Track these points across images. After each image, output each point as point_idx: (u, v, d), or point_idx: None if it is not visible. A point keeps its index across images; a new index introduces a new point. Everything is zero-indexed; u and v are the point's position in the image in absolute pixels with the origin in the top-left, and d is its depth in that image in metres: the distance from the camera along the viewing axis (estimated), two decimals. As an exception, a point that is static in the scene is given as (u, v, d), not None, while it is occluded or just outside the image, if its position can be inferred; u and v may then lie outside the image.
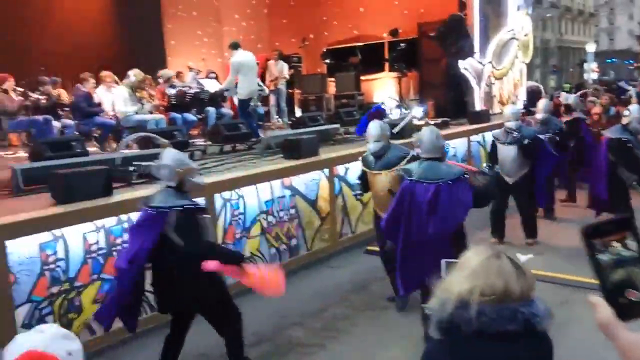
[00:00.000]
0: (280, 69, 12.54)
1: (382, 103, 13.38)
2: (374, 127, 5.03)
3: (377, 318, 5.04)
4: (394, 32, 13.51)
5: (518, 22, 14.65)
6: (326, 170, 6.91)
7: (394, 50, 13.50)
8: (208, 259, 3.50)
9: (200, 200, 5.29)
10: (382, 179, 5.00)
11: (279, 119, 12.31)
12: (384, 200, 5.01)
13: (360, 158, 5.32)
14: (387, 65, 14.14)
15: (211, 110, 10.18)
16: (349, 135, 9.49)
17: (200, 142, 9.15)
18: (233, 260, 3.65)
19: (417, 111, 11.81)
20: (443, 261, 2.69)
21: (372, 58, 14.26)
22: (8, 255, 3.86)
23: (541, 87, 17.38)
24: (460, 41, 11.87)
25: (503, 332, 1.61)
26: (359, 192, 5.48)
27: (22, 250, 3.97)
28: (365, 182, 5.29)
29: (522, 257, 1.91)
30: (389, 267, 5.01)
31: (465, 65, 12.27)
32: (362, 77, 14.05)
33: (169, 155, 3.69)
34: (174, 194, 3.60)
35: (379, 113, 5.13)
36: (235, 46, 9.29)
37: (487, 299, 1.63)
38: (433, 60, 12.84)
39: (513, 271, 1.67)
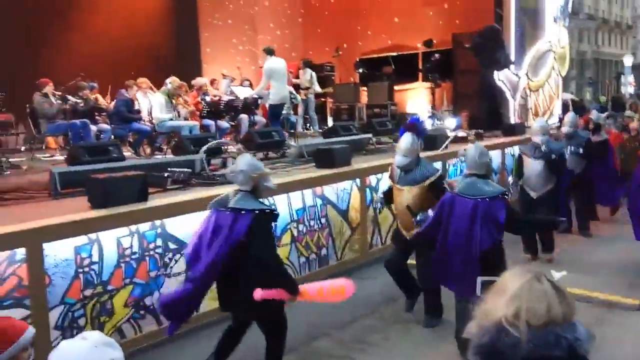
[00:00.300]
0: (308, 78, 12.62)
1: (415, 114, 13.34)
2: (405, 140, 4.92)
3: (408, 332, 4.98)
4: (428, 43, 13.46)
5: (554, 34, 14.46)
6: (358, 181, 6.88)
7: (428, 60, 13.44)
8: (272, 270, 3.58)
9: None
10: (405, 195, 4.95)
11: (309, 128, 12.38)
12: (403, 216, 5.00)
13: (389, 169, 5.27)
14: (420, 75, 14.08)
15: (244, 117, 10.25)
16: (381, 145, 9.47)
17: (232, 149, 9.22)
18: (288, 288, 3.63)
19: (451, 122, 11.74)
20: (479, 279, 2.64)
21: (405, 68, 14.22)
22: (44, 258, 3.93)
23: (569, 101, 17.05)
24: (496, 52, 11.74)
25: (547, 357, 1.57)
26: (379, 204, 5.44)
27: (58, 252, 4.03)
28: (389, 195, 5.26)
29: (555, 274, 1.88)
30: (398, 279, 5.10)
31: (501, 77, 12.14)
32: (396, 87, 14.02)
33: (244, 161, 3.79)
34: (250, 197, 3.69)
35: (414, 126, 4.99)
36: (269, 51, 9.37)
37: (530, 324, 1.60)
38: (467, 71, 12.73)
39: (555, 294, 1.64)
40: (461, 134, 10.07)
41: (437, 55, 12.82)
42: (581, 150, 7.44)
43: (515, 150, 8.41)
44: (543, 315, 1.61)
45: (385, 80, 13.91)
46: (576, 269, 6.28)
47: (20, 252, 3.82)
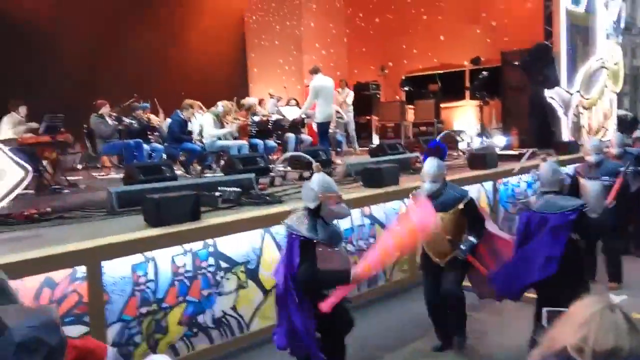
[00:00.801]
0: (346, 97, 12.72)
1: (462, 131, 13.23)
2: (431, 165, 4.60)
3: (461, 357, 4.88)
4: (475, 60, 13.37)
5: (607, 51, 14.14)
6: (406, 200, 6.84)
7: (475, 78, 13.32)
8: (314, 284, 3.58)
9: (282, 228, 5.40)
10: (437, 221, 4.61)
11: (351, 146, 12.47)
12: (435, 243, 4.69)
13: (410, 195, 4.94)
14: (468, 93, 13.97)
15: (291, 136, 10.37)
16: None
17: (280, 167, 9.31)
18: (340, 282, 3.62)
19: (500, 140, 11.59)
20: (544, 310, 2.60)
21: (452, 86, 14.15)
22: (103, 275, 4.04)
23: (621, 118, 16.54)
24: (546, 70, 11.56)
25: None
26: None
27: (116, 270, 4.14)
28: None
29: (615, 298, 1.83)
30: (436, 319, 4.88)
31: (552, 95, 11.92)
32: (442, 105, 13.95)
33: (317, 179, 3.79)
34: (308, 217, 3.69)
35: (438, 149, 4.78)
36: (315, 70, 9.47)
37: (596, 353, 1.56)
38: (517, 88, 12.56)
39: (626, 326, 1.60)
40: (511, 152, 9.91)
41: (485, 72, 12.71)
42: (631, 168, 7.12)
43: (570, 168, 8.20)
44: (610, 345, 1.57)
45: (432, 98, 13.87)
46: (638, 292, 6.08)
47: (81, 270, 3.94)
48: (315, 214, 3.69)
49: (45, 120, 7.72)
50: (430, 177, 4.58)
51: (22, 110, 8.26)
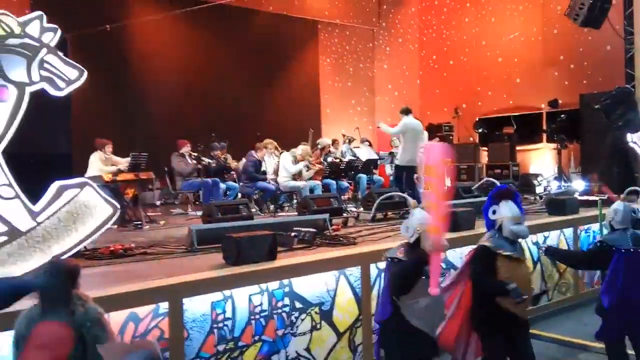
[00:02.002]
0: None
1: (539, 175, 12.87)
2: (515, 208, 4.22)
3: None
4: (553, 103, 13.09)
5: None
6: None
7: (553, 121, 13.03)
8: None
9: (357, 270, 5.40)
10: (522, 265, 4.30)
11: None
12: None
13: (485, 242, 4.32)
14: (545, 136, 13.66)
15: (363, 176, 10.42)
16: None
17: (352, 208, 9.34)
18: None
19: (579, 184, 11.19)
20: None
21: (528, 128, 13.89)
22: (184, 312, 4.14)
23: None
24: (628, 114, 11.14)
25: None
26: None
27: (196, 307, 4.23)
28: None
29: None
30: None
31: (635, 139, 11.45)
32: (518, 148, 13.67)
33: (415, 215, 3.87)
34: (407, 249, 3.78)
35: (510, 192, 4.47)
36: (406, 111, 9.31)
37: None
38: (597, 132, 12.17)
39: None
40: (592, 197, 9.53)
41: (563, 115, 12.41)
42: None
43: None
44: None
45: (506, 141, 13.63)
46: None
47: (163, 306, 4.05)
48: (412, 247, 3.78)
49: (131, 158, 8.11)
50: (522, 219, 4.26)
51: (108, 148, 8.69)
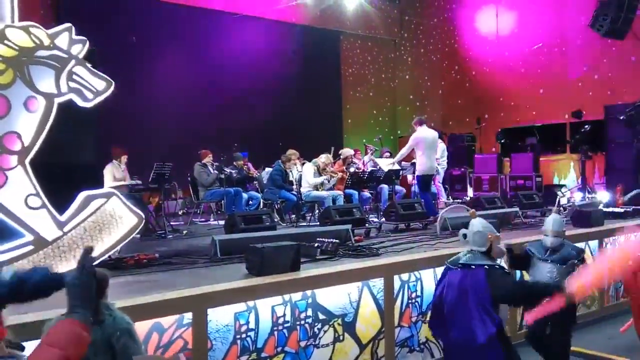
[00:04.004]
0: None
1: (563, 186, 12.72)
2: (554, 221, 4.76)
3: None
4: (577, 114, 12.93)
5: None
6: (504, 257, 6.61)
7: (577, 131, 12.89)
8: (519, 295, 3.81)
9: (380, 281, 5.37)
10: (548, 269, 4.70)
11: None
12: None
13: (527, 247, 4.96)
14: (568, 146, 13.51)
15: (385, 187, 10.39)
16: (528, 220, 9.09)
17: (374, 218, 9.31)
18: (551, 295, 3.59)
19: (604, 196, 11.03)
20: None
21: (551, 139, 13.75)
22: (208, 323, 4.15)
23: None
24: (652, 125, 11.01)
25: None
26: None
27: (220, 318, 4.23)
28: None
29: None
30: None
31: (660, 150, 11.29)
32: (541, 158, 13.53)
33: (480, 223, 3.99)
34: (482, 256, 3.88)
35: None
36: (420, 122, 9.36)
37: None
38: (621, 143, 12.02)
39: None
40: (616, 209, 9.39)
41: (587, 126, 12.27)
42: None
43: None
44: None
45: (529, 151, 13.50)
46: None
47: (187, 317, 4.06)
48: (484, 255, 3.89)
49: (155, 169, 8.17)
50: (553, 233, 4.75)
51: (123, 159, 8.73)
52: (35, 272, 2.33)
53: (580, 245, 7.30)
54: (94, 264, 2.10)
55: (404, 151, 9.60)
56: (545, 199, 10.61)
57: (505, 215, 8.65)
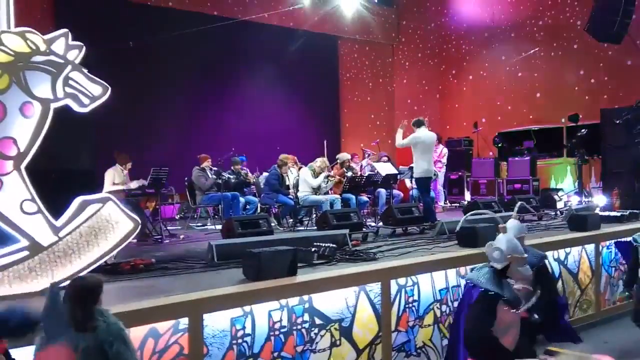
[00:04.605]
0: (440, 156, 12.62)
1: (559, 190, 12.73)
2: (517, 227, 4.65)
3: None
4: (574, 118, 12.95)
5: None
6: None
7: (573, 135, 12.91)
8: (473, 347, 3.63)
9: (377, 286, 5.36)
10: None
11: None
12: None
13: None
14: (565, 150, 13.54)
15: (382, 191, 10.39)
16: (525, 223, 9.08)
17: (371, 223, 9.30)
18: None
19: (600, 200, 11.04)
20: None
21: (548, 143, 13.77)
22: (204, 328, 4.14)
23: None
24: (650, 129, 11.00)
25: None
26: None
27: (216, 323, 4.23)
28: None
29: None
30: None
31: (657, 154, 11.28)
32: (538, 162, 13.55)
33: (504, 239, 3.86)
34: (492, 275, 3.74)
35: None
36: (418, 124, 9.29)
37: None
38: (618, 147, 12.01)
39: None
40: (613, 213, 9.40)
41: (584, 130, 12.29)
42: None
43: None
44: None
45: (526, 155, 13.52)
46: None
47: (183, 322, 4.05)
48: (501, 274, 3.75)
49: (152, 173, 8.16)
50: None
51: (128, 165, 8.69)
52: (12, 314, 2.32)
53: (576, 249, 7.35)
54: (87, 270, 2.11)
55: (400, 143, 9.33)
56: (542, 203, 10.63)
57: (503, 219, 8.63)
